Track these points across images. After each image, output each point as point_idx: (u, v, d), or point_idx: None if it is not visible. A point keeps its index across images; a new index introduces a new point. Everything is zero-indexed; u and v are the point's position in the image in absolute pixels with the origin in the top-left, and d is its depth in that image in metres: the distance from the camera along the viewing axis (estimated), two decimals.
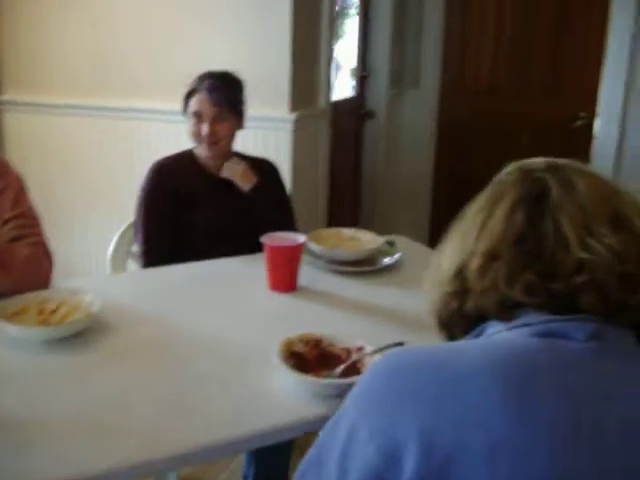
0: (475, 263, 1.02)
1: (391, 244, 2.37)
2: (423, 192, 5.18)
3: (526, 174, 1.06)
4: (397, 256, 2.30)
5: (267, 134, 3.26)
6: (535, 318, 0.97)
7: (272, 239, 2.06)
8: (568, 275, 0.96)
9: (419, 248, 2.47)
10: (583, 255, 0.96)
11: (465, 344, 1.04)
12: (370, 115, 4.75)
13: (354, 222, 4.52)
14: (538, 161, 1.09)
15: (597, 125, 4.56)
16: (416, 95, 5.00)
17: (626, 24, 4.27)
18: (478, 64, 4.94)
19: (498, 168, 1.14)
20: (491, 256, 1.01)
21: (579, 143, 4.66)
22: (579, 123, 4.69)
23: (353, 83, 4.81)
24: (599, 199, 1.01)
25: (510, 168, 1.10)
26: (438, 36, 4.91)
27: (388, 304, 1.99)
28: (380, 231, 2.52)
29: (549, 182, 1.03)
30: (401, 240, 2.50)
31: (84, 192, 3.69)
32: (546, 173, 1.04)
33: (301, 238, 2.10)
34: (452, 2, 4.87)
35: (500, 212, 1.03)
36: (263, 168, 2.60)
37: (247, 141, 2.81)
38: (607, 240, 0.96)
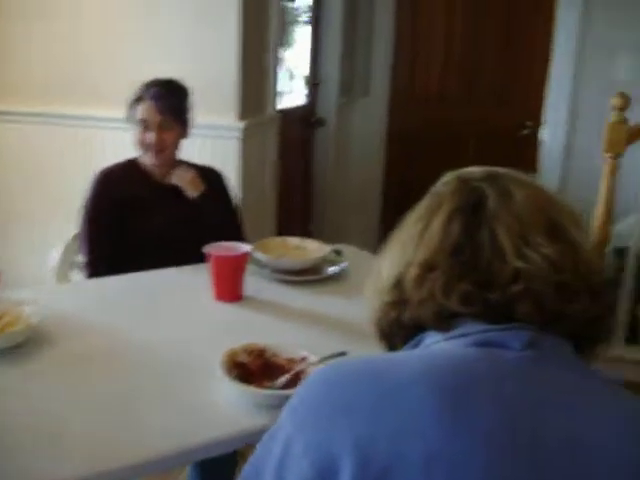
0: (412, 273, 1.02)
1: (338, 253, 2.37)
2: (373, 199, 5.20)
3: (463, 183, 1.06)
4: (343, 265, 2.29)
5: (215, 142, 3.23)
6: (472, 328, 0.97)
7: (217, 249, 2.04)
8: (504, 285, 0.96)
9: (366, 257, 2.46)
10: (519, 264, 0.96)
11: (403, 354, 1.03)
12: (320, 123, 4.75)
13: (304, 230, 4.51)
14: (476, 170, 1.09)
15: (544, 132, 4.63)
16: (366, 103, 5.02)
17: (571, 36, 4.35)
18: (428, 72, 4.99)
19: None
20: (428, 266, 1.00)
21: (527, 150, 4.74)
22: (526, 131, 4.76)
23: (306, 91, 4.81)
24: (536, 209, 1.01)
25: (448, 177, 1.10)
26: (388, 45, 4.94)
27: (333, 313, 1.99)
28: (330, 239, 2.51)
29: (486, 191, 1.02)
30: (348, 249, 2.50)
31: (44, 201, 3.62)
32: (483, 182, 1.04)
33: (245, 247, 2.09)
34: (402, 11, 4.91)
35: (437, 222, 1.03)
36: (210, 176, 2.58)
37: (195, 149, 2.79)
38: (543, 249, 0.97)
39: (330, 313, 1.99)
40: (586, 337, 1.01)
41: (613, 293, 1.05)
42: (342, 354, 1.59)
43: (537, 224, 0.99)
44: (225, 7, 3.19)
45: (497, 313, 0.96)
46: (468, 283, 0.97)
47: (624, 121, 3.23)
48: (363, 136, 5.05)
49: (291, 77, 4.82)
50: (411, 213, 1.10)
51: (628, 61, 4.34)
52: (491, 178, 1.05)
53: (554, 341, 0.97)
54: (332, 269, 2.27)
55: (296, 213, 4.61)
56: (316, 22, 4.67)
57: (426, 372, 0.91)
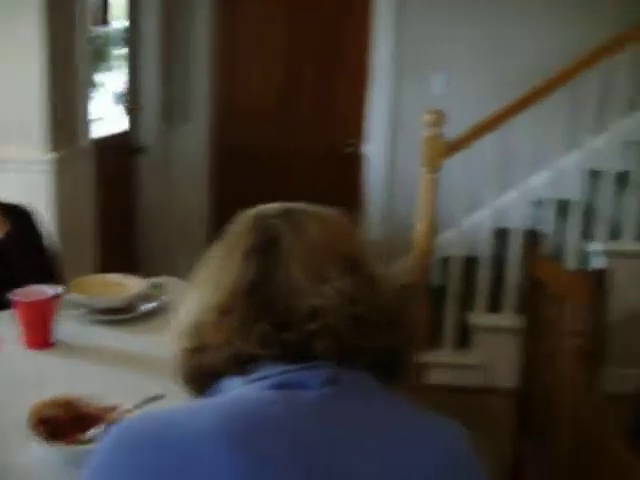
0: (210, 318, 0.99)
1: (156, 287, 2.27)
2: (199, 228, 5.08)
3: (259, 221, 1.05)
4: (164, 299, 2.21)
5: (21, 177, 3.04)
6: (271, 370, 0.95)
7: (23, 293, 1.92)
8: (301, 322, 0.95)
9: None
10: (314, 301, 0.95)
11: (201, 403, 1.00)
12: (142, 150, 4.64)
13: (130, 265, 4.36)
14: (272, 207, 1.08)
15: (367, 149, 4.74)
16: (188, 128, 4.94)
17: (388, 51, 4.52)
18: (249, 95, 4.98)
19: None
20: (224, 310, 0.98)
21: (351, 168, 4.83)
22: (350, 148, 4.85)
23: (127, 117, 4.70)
24: (330, 243, 1.01)
25: (244, 216, 1.08)
26: (207, 68, 4.89)
27: (152, 353, 1.89)
28: (157, 271, 2.42)
29: (281, 228, 1.01)
30: (171, 281, 2.41)
31: None
32: (278, 219, 1.03)
33: (53, 289, 1.97)
34: (220, 32, 4.87)
35: (233, 263, 1.01)
36: (15, 215, 2.42)
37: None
38: (337, 283, 0.96)
39: (148, 353, 1.90)
40: (388, 366, 1.02)
41: (412, 322, 1.06)
42: (158, 397, 1.52)
43: (332, 258, 0.99)
44: (25, 34, 3.05)
45: (295, 352, 0.95)
46: (265, 324, 0.95)
47: (439, 136, 3.34)
48: (186, 161, 4.96)
49: (115, 103, 4.71)
50: (209, 253, 1.07)
51: (444, 76, 4.51)
52: (286, 214, 1.04)
53: (355, 375, 0.96)
54: (147, 305, 2.18)
55: (120, 247, 4.46)
56: (133, 46, 4.58)
57: (219, 419, 0.89)
